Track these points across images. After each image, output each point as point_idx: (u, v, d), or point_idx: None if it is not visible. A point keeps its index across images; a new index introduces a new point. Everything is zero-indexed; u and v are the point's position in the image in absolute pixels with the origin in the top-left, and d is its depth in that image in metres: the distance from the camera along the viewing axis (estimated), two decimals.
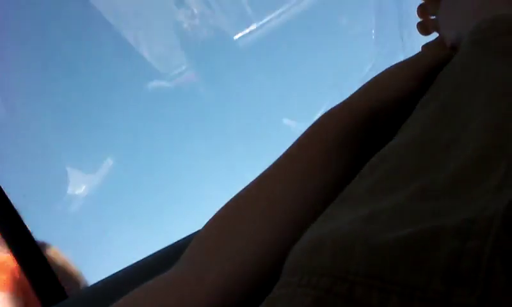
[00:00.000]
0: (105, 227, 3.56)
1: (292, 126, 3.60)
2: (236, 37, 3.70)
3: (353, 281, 0.28)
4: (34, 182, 3.37)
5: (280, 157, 0.51)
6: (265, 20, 3.64)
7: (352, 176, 0.46)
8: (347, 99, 0.52)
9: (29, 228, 1.54)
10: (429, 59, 0.52)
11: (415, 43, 3.14)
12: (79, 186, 3.68)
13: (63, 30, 3.50)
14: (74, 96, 3.59)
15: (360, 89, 0.53)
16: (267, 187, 0.48)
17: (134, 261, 1.39)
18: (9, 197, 1.52)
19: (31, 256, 1.51)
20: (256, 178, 0.50)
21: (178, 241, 1.38)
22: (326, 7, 3.53)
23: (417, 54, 0.58)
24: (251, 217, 0.46)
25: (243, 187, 0.50)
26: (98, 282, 1.43)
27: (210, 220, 0.49)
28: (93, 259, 3.38)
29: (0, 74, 3.40)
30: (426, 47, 0.61)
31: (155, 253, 1.40)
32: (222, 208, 0.49)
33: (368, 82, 0.54)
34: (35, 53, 3.52)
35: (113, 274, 1.42)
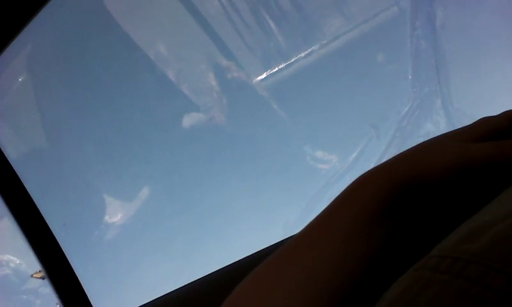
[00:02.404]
0: (138, 255, 3.60)
1: (329, 164, 3.58)
2: (271, 72, 3.74)
3: None
4: (74, 210, 3.46)
5: (315, 220, 0.46)
6: (300, 56, 3.67)
7: (393, 245, 0.43)
8: (387, 163, 0.47)
9: (67, 255, 1.58)
10: (485, 148, 0.45)
11: (452, 86, 3.13)
12: (116, 214, 3.75)
13: (106, 69, 3.64)
14: (114, 129, 3.70)
15: (402, 153, 0.48)
16: (303, 255, 0.44)
17: (167, 291, 1.41)
18: (49, 226, 1.57)
19: (69, 283, 1.54)
20: (291, 242, 0.45)
21: (211, 273, 1.39)
22: (362, 45, 3.53)
23: (472, 125, 0.50)
24: (286, 288, 0.41)
25: (276, 252, 0.46)
26: None
27: (241, 285, 0.45)
28: (127, 287, 3.42)
29: (46, 109, 3.55)
30: (488, 121, 0.49)
31: (187, 284, 1.42)
32: (254, 273, 0.45)
33: (413, 148, 0.48)
34: (80, 90, 3.66)
35: (145, 304, 1.44)
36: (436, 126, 3.17)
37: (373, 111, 3.44)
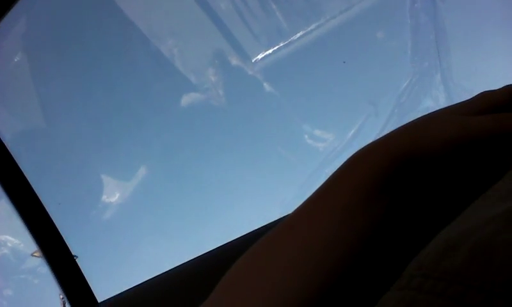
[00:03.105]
0: (137, 235, 3.62)
1: (327, 141, 3.58)
2: (269, 51, 3.72)
3: (491, 292, 0.24)
4: (70, 190, 3.46)
5: (312, 196, 0.46)
6: (299, 35, 3.65)
7: (391, 220, 0.42)
8: (386, 137, 0.47)
9: (64, 235, 1.57)
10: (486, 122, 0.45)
11: (452, 61, 3.11)
12: (113, 194, 3.76)
13: (102, 47, 3.61)
14: (110, 109, 3.69)
15: (400, 128, 0.47)
16: (298, 231, 0.44)
17: (165, 270, 1.41)
18: (45, 206, 1.56)
19: (65, 263, 1.54)
20: (287, 220, 0.45)
21: (208, 252, 1.39)
22: (361, 22, 3.51)
23: (471, 99, 0.49)
24: (282, 265, 0.42)
25: (272, 230, 0.45)
26: (129, 289, 1.45)
27: (236, 264, 0.45)
28: (125, 266, 3.44)
29: (41, 88, 3.52)
30: (488, 95, 0.48)
31: (185, 263, 1.41)
32: (250, 251, 0.45)
33: (412, 123, 0.47)
34: (75, 68, 3.63)
35: (144, 282, 1.44)
36: (435, 101, 3.16)
37: (371, 88, 3.43)
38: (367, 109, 3.33)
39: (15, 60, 3.45)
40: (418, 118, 0.48)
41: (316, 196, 0.45)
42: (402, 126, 0.47)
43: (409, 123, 0.47)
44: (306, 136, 3.64)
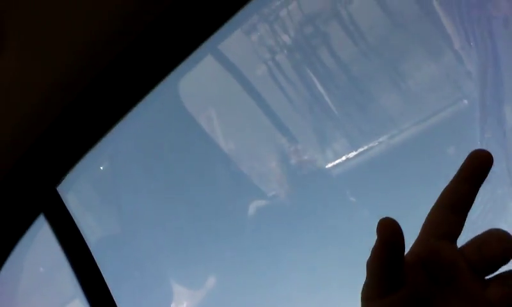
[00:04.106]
0: None
1: None
2: (342, 159, 3.76)
3: None
4: (144, 297, 3.51)
5: None
6: (371, 145, 3.67)
7: None
8: None
9: None
10: None
11: None
12: (181, 302, 3.76)
13: (182, 163, 3.83)
14: (184, 219, 3.80)
15: None
16: None
17: None
18: None
19: None
20: None
21: None
22: (430, 139, 3.49)
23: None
24: None
25: None
26: None
27: None
28: None
29: (123, 200, 3.75)
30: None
31: None
32: None
33: None
34: (156, 184, 3.85)
35: None
36: (510, 229, 3.02)
37: None
38: None
39: (101, 168, 3.71)
40: None
41: None
42: None
43: None
44: None
